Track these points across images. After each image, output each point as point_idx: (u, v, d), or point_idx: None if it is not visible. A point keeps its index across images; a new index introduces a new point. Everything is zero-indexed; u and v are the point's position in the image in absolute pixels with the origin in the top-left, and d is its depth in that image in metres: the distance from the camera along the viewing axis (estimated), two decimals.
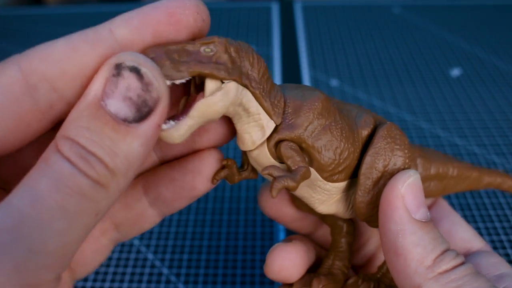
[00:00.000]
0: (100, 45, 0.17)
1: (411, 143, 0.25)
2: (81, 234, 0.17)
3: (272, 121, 0.21)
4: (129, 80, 0.17)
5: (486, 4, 0.78)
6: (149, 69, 0.17)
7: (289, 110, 0.21)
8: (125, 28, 0.18)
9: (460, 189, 0.28)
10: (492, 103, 0.55)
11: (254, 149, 0.22)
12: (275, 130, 0.21)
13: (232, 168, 0.23)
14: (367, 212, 0.23)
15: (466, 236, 0.26)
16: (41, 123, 0.18)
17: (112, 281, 0.36)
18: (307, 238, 0.28)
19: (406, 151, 0.23)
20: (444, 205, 0.28)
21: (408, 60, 0.64)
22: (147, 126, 0.17)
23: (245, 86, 0.20)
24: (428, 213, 0.21)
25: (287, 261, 0.24)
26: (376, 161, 0.22)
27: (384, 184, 0.22)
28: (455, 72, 0.61)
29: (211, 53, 0.19)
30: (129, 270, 0.37)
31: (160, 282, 0.36)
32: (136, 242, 0.40)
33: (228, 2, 0.82)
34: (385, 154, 0.22)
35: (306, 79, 0.60)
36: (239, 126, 0.22)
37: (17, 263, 0.15)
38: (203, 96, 0.19)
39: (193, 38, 0.19)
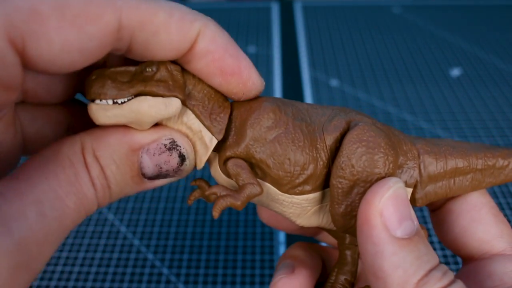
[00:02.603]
0: (185, 33, 0.18)
1: (416, 138, 0.23)
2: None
3: (215, 138, 0.21)
4: (172, 159, 0.20)
5: (486, 4, 0.78)
6: (190, 161, 0.20)
7: (236, 125, 0.21)
8: (204, 42, 0.19)
9: (498, 182, 0.24)
10: (492, 103, 0.55)
11: (211, 168, 0.22)
12: (223, 147, 0.21)
13: (204, 188, 0.23)
14: (344, 224, 0.21)
15: (486, 236, 0.23)
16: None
17: (112, 281, 0.36)
18: (312, 250, 0.27)
19: (381, 154, 0.21)
20: (471, 198, 0.24)
21: (408, 60, 0.64)
22: (150, 185, 0.20)
23: (184, 103, 0.20)
24: (416, 225, 0.19)
25: None
26: (343, 169, 0.20)
27: (358, 193, 0.20)
28: (455, 72, 0.61)
29: (152, 73, 0.19)
30: (129, 270, 0.37)
31: (160, 282, 0.36)
32: (136, 242, 0.40)
33: (228, 2, 0.82)
34: (353, 160, 0.20)
35: (306, 79, 0.60)
36: None
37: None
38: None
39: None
